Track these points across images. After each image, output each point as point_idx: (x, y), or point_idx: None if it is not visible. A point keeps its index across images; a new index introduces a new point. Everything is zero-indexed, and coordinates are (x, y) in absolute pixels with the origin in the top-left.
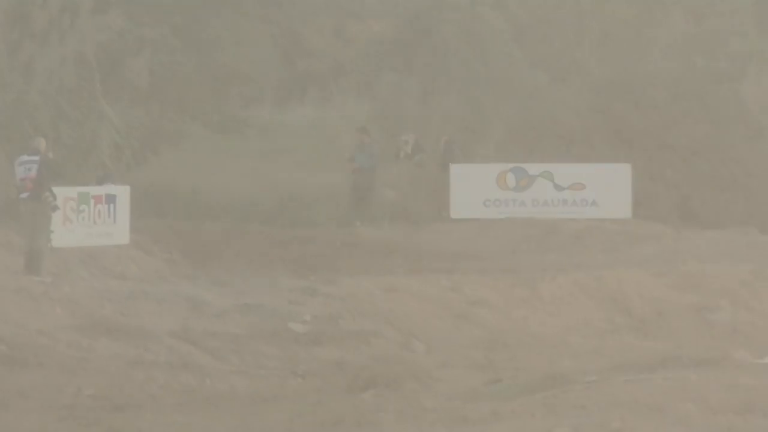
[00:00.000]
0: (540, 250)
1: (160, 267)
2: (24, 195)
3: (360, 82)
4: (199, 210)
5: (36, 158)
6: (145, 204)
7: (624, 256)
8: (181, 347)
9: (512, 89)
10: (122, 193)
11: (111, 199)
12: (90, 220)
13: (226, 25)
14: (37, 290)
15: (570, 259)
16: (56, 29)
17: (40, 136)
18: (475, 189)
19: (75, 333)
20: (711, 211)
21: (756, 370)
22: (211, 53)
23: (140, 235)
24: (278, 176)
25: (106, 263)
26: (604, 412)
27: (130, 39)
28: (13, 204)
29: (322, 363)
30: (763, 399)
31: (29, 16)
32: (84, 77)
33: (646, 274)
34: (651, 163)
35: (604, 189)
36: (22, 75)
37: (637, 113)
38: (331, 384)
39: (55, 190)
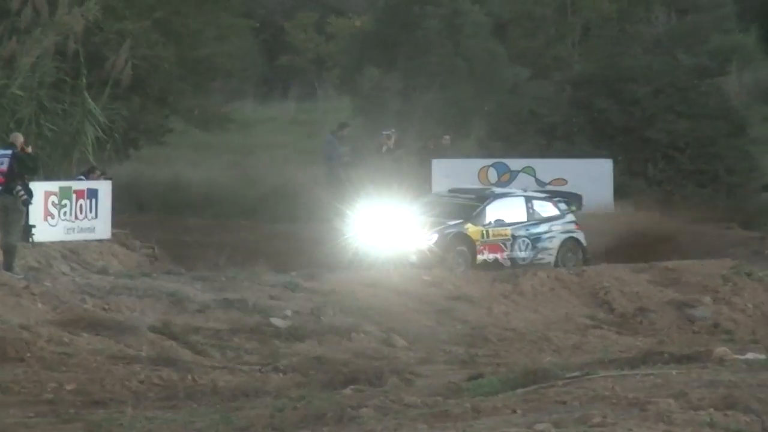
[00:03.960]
0: None
1: (141, 262)
2: None
3: (342, 77)
4: (181, 205)
5: (9, 152)
6: (127, 199)
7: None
8: (162, 342)
9: (494, 84)
10: (104, 187)
11: (93, 193)
12: (72, 214)
13: (208, 20)
14: (19, 285)
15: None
16: (38, 24)
17: (18, 131)
18: (457, 184)
19: (56, 328)
20: (693, 207)
21: (737, 366)
22: (192, 48)
23: (122, 229)
24: (260, 170)
25: (88, 258)
26: (585, 408)
27: (111, 33)
28: None
29: (303, 358)
30: (745, 395)
31: (11, 10)
32: (66, 72)
33: (627, 269)
34: (633, 159)
35: (585, 184)
36: (3, 69)
37: (619, 108)
38: (312, 379)
39: (38, 184)
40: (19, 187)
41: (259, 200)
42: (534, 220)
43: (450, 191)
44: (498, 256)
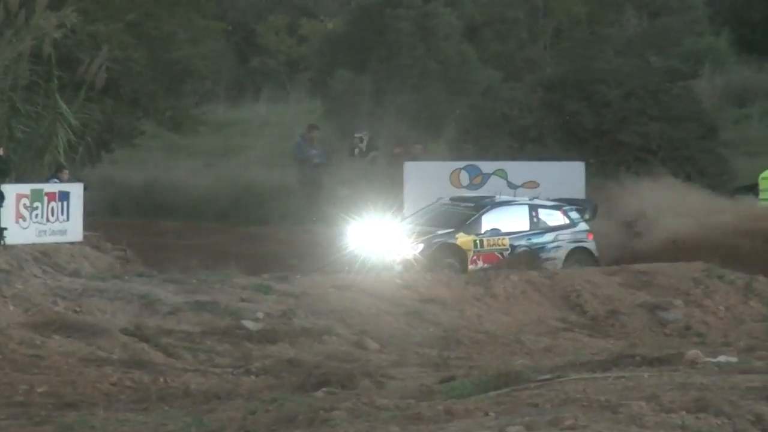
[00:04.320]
0: None
1: (113, 264)
2: None
3: (313, 80)
4: (153, 207)
5: None
6: (98, 201)
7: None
8: (134, 345)
9: (466, 87)
10: (75, 189)
11: (64, 196)
12: (43, 217)
13: (180, 22)
14: None
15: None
16: (11, 26)
17: None
18: (429, 187)
19: (27, 330)
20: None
21: (709, 369)
22: (165, 50)
23: (94, 232)
24: (232, 173)
25: (60, 260)
26: (557, 410)
27: (84, 35)
28: None
29: (275, 361)
30: (716, 398)
31: None
32: (38, 74)
33: (599, 272)
34: (605, 161)
35: (558, 186)
36: None
37: (591, 111)
38: (284, 382)
39: (9, 187)
40: None
41: (231, 203)
42: (538, 229)
43: (452, 199)
44: (494, 266)
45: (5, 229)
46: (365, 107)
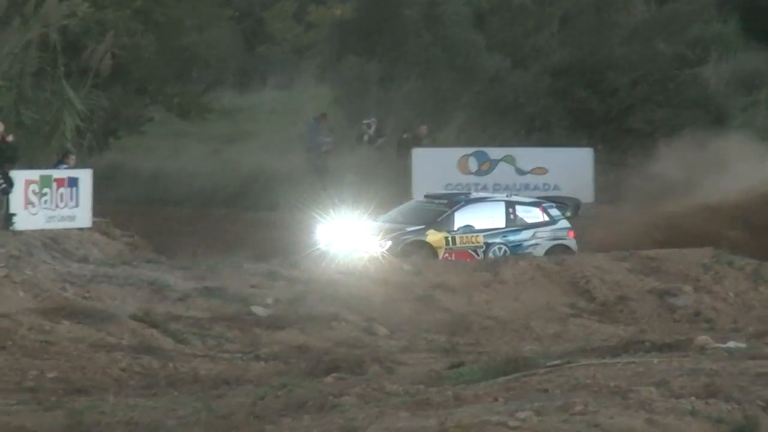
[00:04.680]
0: None
1: (122, 250)
2: None
3: (322, 66)
4: (161, 193)
5: None
6: (107, 187)
7: (586, 240)
8: (143, 330)
9: (473, 74)
10: (84, 176)
11: (73, 182)
12: (52, 203)
13: (187, 9)
14: None
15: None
16: (20, 13)
17: None
18: (438, 173)
19: (37, 316)
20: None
21: (718, 355)
22: (173, 37)
23: (102, 218)
24: (240, 160)
25: (69, 246)
26: (566, 396)
27: (92, 22)
28: None
29: (285, 346)
30: (726, 383)
31: None
32: (46, 61)
33: (608, 258)
34: (612, 148)
35: (566, 173)
36: None
37: (598, 98)
38: (294, 367)
39: (18, 173)
40: None
41: (239, 189)
42: (515, 226)
43: (426, 196)
44: None
45: (14, 215)
46: (373, 94)
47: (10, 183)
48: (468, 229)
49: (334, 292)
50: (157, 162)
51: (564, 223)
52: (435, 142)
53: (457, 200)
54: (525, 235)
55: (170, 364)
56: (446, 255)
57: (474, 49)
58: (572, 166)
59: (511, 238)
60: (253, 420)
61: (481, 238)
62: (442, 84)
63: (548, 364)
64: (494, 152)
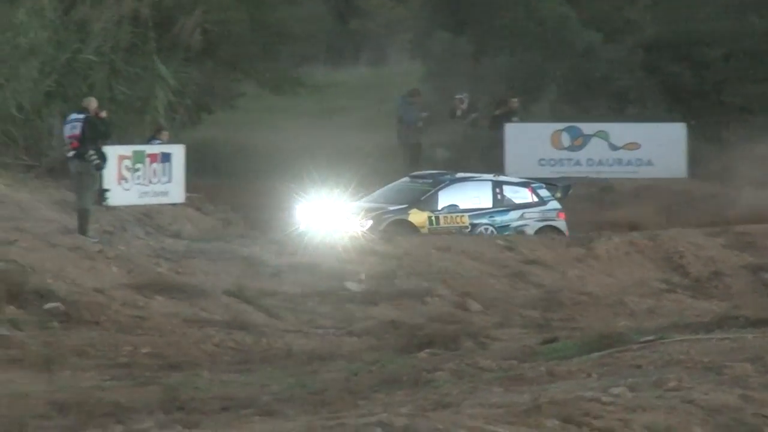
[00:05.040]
0: (595, 210)
1: (215, 226)
2: (70, 153)
3: (413, 41)
4: (254, 169)
5: (82, 116)
6: (200, 163)
7: (679, 216)
8: (236, 306)
9: (565, 48)
10: (177, 151)
11: (166, 157)
12: (145, 178)
13: None
14: (93, 249)
15: (625, 219)
16: None
17: (91, 96)
18: (530, 148)
19: (131, 291)
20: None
21: None
22: (264, 12)
23: (196, 193)
24: (332, 135)
25: (162, 222)
26: (660, 372)
27: None
28: (65, 162)
29: (377, 322)
30: None
31: None
32: (139, 36)
33: (702, 233)
34: (706, 123)
35: (659, 148)
36: (76, 34)
37: (691, 72)
38: (387, 343)
39: (111, 148)
40: (91, 152)
41: (330, 164)
42: (502, 206)
43: (411, 176)
44: None
45: (108, 190)
46: (464, 68)
47: (103, 158)
48: (452, 208)
49: (427, 267)
50: (249, 137)
51: (554, 204)
52: (527, 117)
53: (442, 179)
54: (513, 215)
55: (264, 340)
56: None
57: (566, 23)
58: (665, 142)
59: (498, 218)
60: (346, 395)
61: (466, 219)
62: (534, 59)
63: (642, 339)
64: (587, 127)
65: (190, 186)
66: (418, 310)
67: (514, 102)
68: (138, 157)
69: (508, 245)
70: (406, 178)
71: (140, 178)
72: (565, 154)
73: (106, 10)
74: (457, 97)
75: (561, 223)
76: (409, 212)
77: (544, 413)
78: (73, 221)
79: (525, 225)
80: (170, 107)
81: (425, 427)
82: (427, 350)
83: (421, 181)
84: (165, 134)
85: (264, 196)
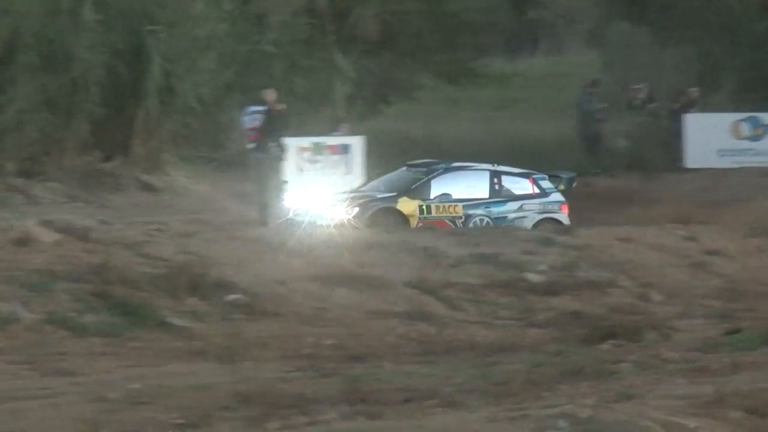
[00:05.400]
0: None
1: None
2: (250, 145)
3: (591, 32)
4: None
5: (262, 109)
6: (379, 154)
7: None
8: (417, 297)
9: (745, 38)
10: (356, 142)
11: (345, 149)
12: (325, 170)
13: None
14: (275, 240)
15: None
16: None
17: (271, 88)
18: (710, 139)
19: (312, 283)
20: None
21: None
22: (441, 3)
23: None
24: (510, 126)
25: None
26: None
27: None
28: (245, 154)
29: (559, 313)
30: None
31: None
32: (316, 28)
33: None
34: None
35: None
36: (256, 26)
37: None
38: (569, 334)
39: (291, 140)
40: (272, 144)
41: (509, 155)
42: (500, 197)
43: (407, 164)
44: None
45: (287, 182)
46: (643, 59)
47: (283, 150)
48: (445, 198)
49: (609, 258)
50: (428, 128)
51: (556, 197)
52: (706, 107)
53: (436, 168)
54: (510, 206)
55: (445, 331)
56: (419, 224)
57: (746, 12)
58: None
59: (495, 209)
60: (529, 387)
61: (460, 208)
62: (714, 48)
63: None
64: (767, 117)
65: (370, 177)
66: (599, 301)
67: (694, 92)
68: (317, 149)
69: (689, 235)
70: (403, 167)
71: (320, 169)
72: (745, 144)
73: (283, 2)
74: (635, 87)
75: (563, 216)
76: (398, 201)
77: (729, 405)
78: (253, 213)
79: (523, 217)
80: (349, 99)
81: (609, 419)
82: (609, 341)
83: (415, 169)
84: (345, 126)
85: None
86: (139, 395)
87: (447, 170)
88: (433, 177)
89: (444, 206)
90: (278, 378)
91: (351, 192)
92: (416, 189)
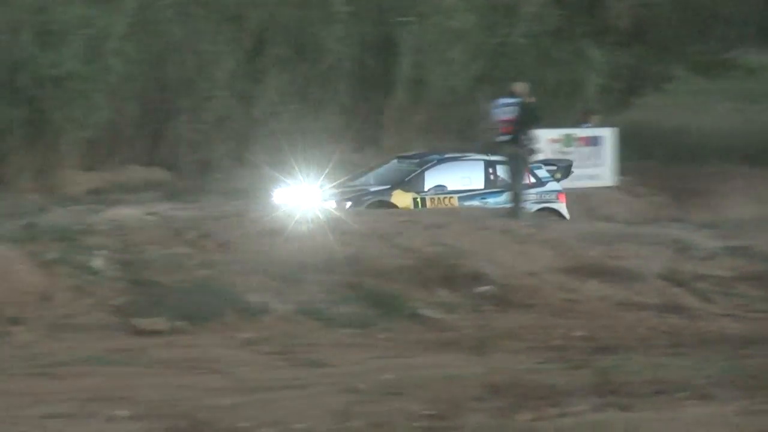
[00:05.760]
0: None
1: (645, 209)
2: (501, 138)
3: None
4: (684, 152)
5: (514, 101)
6: (631, 146)
7: None
8: (669, 289)
9: None
10: (608, 135)
11: (597, 141)
12: (576, 162)
13: None
14: (524, 232)
15: None
16: None
17: (522, 80)
18: None
19: (563, 275)
20: None
21: None
22: None
23: (626, 177)
24: (763, 118)
25: (592, 205)
26: None
27: None
28: (492, 146)
29: None
30: None
31: None
32: (567, 19)
33: None
34: None
35: None
36: (505, 18)
37: None
38: None
39: (542, 132)
40: (525, 136)
41: (761, 148)
42: (495, 187)
43: (399, 156)
44: None
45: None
46: None
47: (536, 143)
48: (440, 189)
49: None
50: (679, 120)
51: (553, 186)
52: None
53: (429, 159)
54: (507, 197)
55: (697, 323)
56: None
57: None
58: None
59: (491, 200)
60: None
61: (455, 200)
62: None
63: None
64: None
65: (621, 169)
66: None
67: None
68: (568, 141)
69: None
70: (394, 159)
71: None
72: None
73: None
74: None
75: (561, 206)
76: (392, 193)
77: None
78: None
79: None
80: (600, 91)
81: None
82: None
83: (407, 161)
84: (595, 118)
85: (694, 179)
86: (389, 386)
87: (440, 161)
88: (427, 168)
89: (439, 198)
90: (528, 369)
91: (342, 185)
92: (410, 181)
